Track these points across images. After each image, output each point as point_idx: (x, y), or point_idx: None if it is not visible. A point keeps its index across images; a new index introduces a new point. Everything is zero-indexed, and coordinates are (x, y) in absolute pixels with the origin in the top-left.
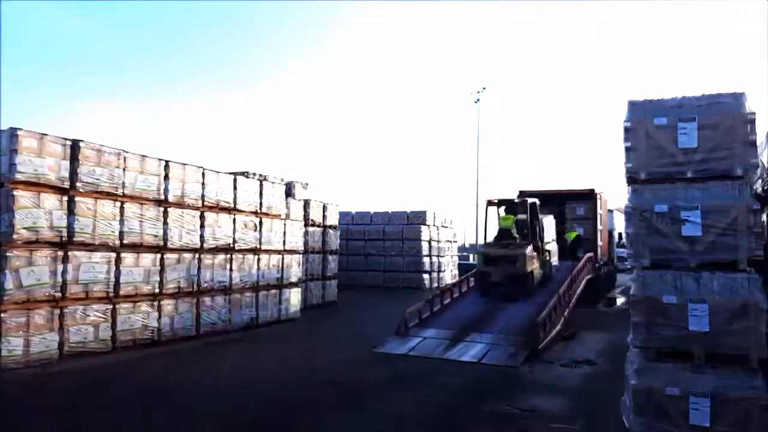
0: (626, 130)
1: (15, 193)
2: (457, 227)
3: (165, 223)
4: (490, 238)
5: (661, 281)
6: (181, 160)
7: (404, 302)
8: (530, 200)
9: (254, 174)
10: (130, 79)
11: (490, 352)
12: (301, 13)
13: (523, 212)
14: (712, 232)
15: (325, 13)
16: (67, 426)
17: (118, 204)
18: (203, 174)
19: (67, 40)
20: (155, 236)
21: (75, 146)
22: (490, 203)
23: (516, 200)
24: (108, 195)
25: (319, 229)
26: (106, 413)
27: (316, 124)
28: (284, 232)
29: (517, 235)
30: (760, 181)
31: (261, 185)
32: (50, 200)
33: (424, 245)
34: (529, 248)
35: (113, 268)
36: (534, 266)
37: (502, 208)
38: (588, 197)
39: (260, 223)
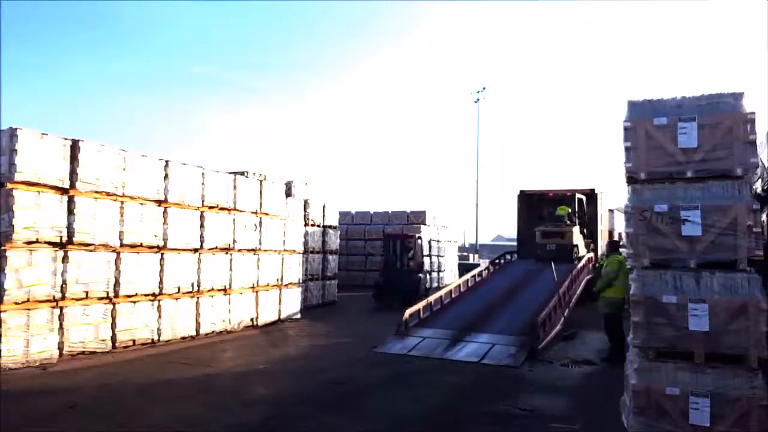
0: (626, 130)
1: (15, 193)
2: (457, 227)
3: (165, 223)
4: None
5: (660, 281)
6: (181, 159)
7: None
8: None
9: (253, 174)
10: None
11: (490, 352)
12: (298, 12)
13: None
14: (711, 232)
15: (325, 10)
16: (68, 427)
17: (118, 204)
18: (203, 174)
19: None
20: (155, 236)
21: (75, 146)
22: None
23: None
24: (108, 195)
25: (319, 229)
26: (106, 413)
27: (315, 124)
28: (284, 232)
29: None
30: (760, 180)
31: (261, 185)
32: (50, 200)
33: (424, 245)
34: None
35: (113, 268)
36: None
37: None
38: (588, 197)
39: (260, 223)
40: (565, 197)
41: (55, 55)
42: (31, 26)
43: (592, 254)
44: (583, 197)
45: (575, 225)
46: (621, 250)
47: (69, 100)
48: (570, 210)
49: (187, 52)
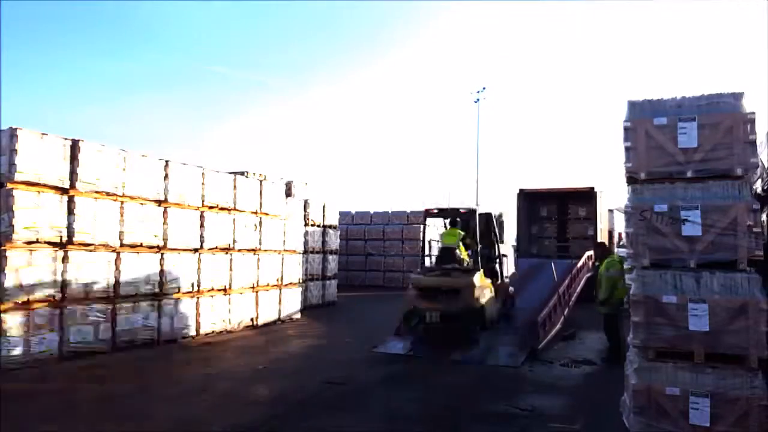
0: (626, 130)
1: (15, 193)
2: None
3: (165, 223)
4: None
5: (660, 281)
6: (181, 159)
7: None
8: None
9: (253, 174)
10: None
11: (490, 352)
12: (296, 10)
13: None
14: (711, 232)
15: (325, 11)
16: (68, 427)
17: (118, 204)
18: (203, 174)
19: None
20: (155, 236)
21: (75, 146)
22: (428, 214)
23: (462, 210)
24: (108, 195)
25: (319, 229)
26: (106, 413)
27: (315, 123)
28: (284, 232)
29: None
30: (760, 180)
31: (261, 185)
32: (50, 200)
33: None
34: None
35: (113, 268)
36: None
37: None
38: (588, 196)
39: (260, 223)
40: (457, 212)
41: (57, 55)
42: (32, 26)
43: (591, 253)
44: (487, 213)
45: (478, 269)
46: (619, 250)
47: (70, 101)
48: (463, 233)
49: (187, 52)
